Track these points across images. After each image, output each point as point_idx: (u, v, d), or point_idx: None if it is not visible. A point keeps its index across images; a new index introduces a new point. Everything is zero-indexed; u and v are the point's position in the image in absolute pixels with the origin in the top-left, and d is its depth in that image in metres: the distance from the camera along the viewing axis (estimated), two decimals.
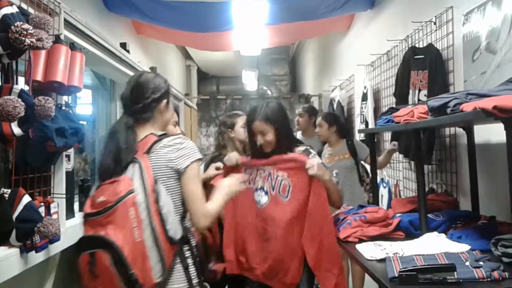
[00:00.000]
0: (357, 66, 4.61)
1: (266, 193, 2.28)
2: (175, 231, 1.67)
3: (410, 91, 2.95)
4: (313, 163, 2.17)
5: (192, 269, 1.75)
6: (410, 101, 2.91)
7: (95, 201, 1.65)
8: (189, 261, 1.75)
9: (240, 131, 2.94)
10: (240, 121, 2.95)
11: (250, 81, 10.12)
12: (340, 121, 4.09)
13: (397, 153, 3.45)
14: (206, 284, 1.83)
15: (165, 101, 1.89)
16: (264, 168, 2.33)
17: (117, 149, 1.74)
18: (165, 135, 1.80)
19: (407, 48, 3.26)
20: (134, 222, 1.58)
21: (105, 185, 1.68)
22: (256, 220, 2.29)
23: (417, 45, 3.09)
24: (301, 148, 2.37)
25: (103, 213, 1.60)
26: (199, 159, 1.78)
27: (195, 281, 1.75)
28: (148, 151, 1.73)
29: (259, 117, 2.32)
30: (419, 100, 2.82)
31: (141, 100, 1.84)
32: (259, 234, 2.28)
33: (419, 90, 2.87)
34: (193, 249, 1.79)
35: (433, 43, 2.88)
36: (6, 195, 1.61)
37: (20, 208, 1.63)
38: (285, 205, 2.22)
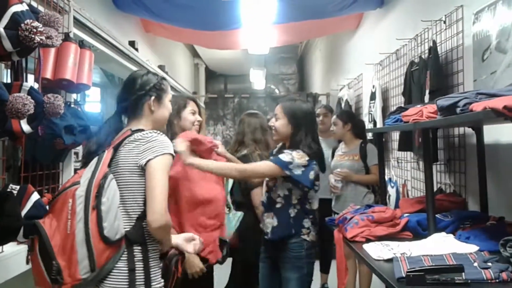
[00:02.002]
0: (365, 65, 4.59)
1: None
2: (113, 230, 1.58)
3: (426, 91, 2.95)
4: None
5: (139, 273, 1.65)
6: (426, 101, 2.90)
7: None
8: (138, 264, 1.65)
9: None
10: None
11: (258, 80, 10.11)
12: (355, 119, 4.05)
13: (405, 152, 3.44)
14: None
15: (153, 97, 1.85)
16: None
17: (91, 143, 1.80)
18: (139, 130, 1.75)
19: (416, 47, 3.25)
20: (69, 213, 1.57)
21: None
22: None
23: (427, 45, 3.07)
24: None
25: (51, 202, 1.66)
26: (168, 154, 1.69)
27: (140, 284, 1.64)
28: (117, 146, 1.72)
29: (281, 102, 2.56)
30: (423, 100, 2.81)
31: (128, 96, 1.84)
32: None
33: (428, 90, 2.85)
34: (147, 252, 1.68)
35: (442, 42, 2.86)
36: (15, 192, 1.62)
37: (29, 205, 1.64)
38: None
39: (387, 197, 3.50)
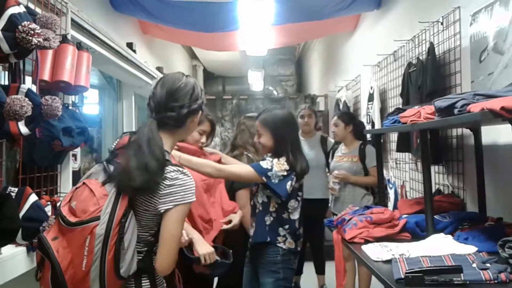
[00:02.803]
0: (363, 67, 4.60)
1: None
2: (128, 269, 1.52)
3: None
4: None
5: None
6: None
7: (71, 200, 1.56)
8: None
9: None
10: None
11: (256, 81, 10.12)
12: (356, 120, 4.05)
13: (403, 153, 3.44)
14: None
15: (200, 113, 1.72)
16: None
17: (129, 157, 1.56)
18: (168, 161, 1.57)
19: (413, 49, 3.25)
20: (86, 251, 1.47)
21: (85, 187, 1.56)
22: None
23: (423, 46, 3.08)
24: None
25: (67, 226, 1.51)
26: (189, 203, 1.55)
27: None
28: None
29: (258, 118, 2.52)
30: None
31: (175, 108, 1.63)
32: None
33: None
34: (155, 281, 1.63)
35: (440, 43, 2.87)
36: (13, 194, 1.62)
37: (26, 207, 1.63)
38: None
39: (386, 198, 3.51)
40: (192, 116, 1.68)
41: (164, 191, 1.52)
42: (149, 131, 1.58)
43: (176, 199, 1.52)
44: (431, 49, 2.83)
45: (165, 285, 1.72)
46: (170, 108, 1.63)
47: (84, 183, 1.59)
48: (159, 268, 1.55)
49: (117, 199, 1.50)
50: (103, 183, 1.56)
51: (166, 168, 1.54)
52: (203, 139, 2.56)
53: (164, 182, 1.52)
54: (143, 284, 1.61)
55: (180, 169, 1.57)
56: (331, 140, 4.31)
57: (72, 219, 1.50)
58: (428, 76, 2.79)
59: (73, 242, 1.50)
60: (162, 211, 1.52)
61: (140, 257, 1.58)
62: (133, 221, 1.52)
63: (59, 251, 1.49)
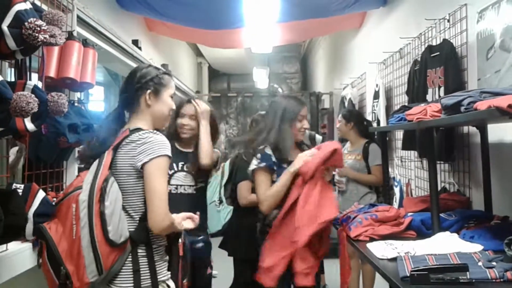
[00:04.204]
0: (369, 64, 4.58)
1: None
2: (118, 233, 1.59)
3: (430, 90, 2.93)
4: None
5: (145, 272, 1.65)
6: (430, 100, 2.87)
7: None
8: (143, 265, 1.65)
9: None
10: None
11: (261, 79, 10.11)
12: (359, 118, 4.04)
13: (409, 151, 3.43)
14: (167, 285, 1.73)
15: (149, 90, 1.79)
16: None
17: (93, 142, 1.79)
18: (137, 130, 1.71)
19: (420, 46, 3.23)
20: (74, 218, 1.58)
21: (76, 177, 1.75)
22: None
23: (431, 43, 3.06)
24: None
25: (56, 205, 1.67)
26: (163, 155, 1.65)
27: (146, 284, 1.65)
28: (116, 147, 1.69)
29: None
30: (440, 97, 2.78)
31: (127, 89, 1.81)
32: None
33: (439, 87, 2.84)
34: (152, 251, 1.69)
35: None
36: (20, 190, 1.62)
37: (37, 203, 1.65)
38: None
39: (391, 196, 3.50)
40: (141, 92, 1.79)
41: (138, 149, 1.65)
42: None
43: (149, 153, 1.63)
44: (451, 47, 2.74)
45: (166, 257, 1.77)
46: (124, 91, 1.84)
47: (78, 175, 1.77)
48: (152, 225, 1.63)
49: (98, 170, 1.64)
50: None
51: (137, 133, 1.69)
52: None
53: (136, 142, 1.66)
54: (139, 254, 1.66)
55: (151, 131, 1.72)
56: (319, 137, 4.32)
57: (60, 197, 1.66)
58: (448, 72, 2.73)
59: (62, 214, 1.63)
60: (139, 166, 1.63)
61: (134, 227, 1.66)
62: (115, 186, 1.62)
63: (51, 227, 1.62)
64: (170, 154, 1.69)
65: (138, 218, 1.67)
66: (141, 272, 1.64)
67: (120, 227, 1.60)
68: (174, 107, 1.91)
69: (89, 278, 1.57)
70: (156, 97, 1.81)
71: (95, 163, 1.68)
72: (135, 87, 1.79)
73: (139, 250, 1.66)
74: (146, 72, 1.82)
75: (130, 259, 1.64)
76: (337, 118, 4.28)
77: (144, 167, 1.63)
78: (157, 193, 1.62)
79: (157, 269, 1.68)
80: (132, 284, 1.63)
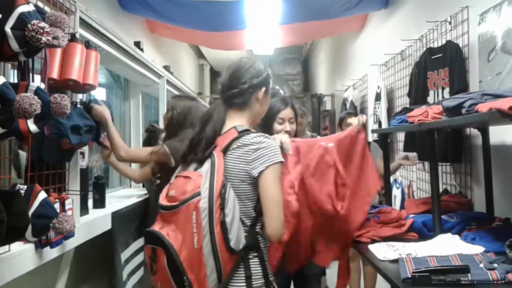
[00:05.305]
0: (370, 66, 4.59)
1: None
2: (238, 240, 1.57)
3: (431, 92, 2.93)
4: None
5: (257, 278, 1.63)
6: (431, 102, 2.87)
7: (168, 193, 1.65)
8: (255, 270, 1.63)
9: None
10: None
11: None
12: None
13: (411, 153, 3.43)
14: (273, 286, 1.70)
15: (264, 89, 1.78)
16: None
17: (198, 138, 1.71)
18: (246, 132, 1.66)
19: (421, 48, 3.24)
20: (195, 227, 1.53)
21: (180, 177, 1.66)
22: None
23: (432, 45, 3.06)
24: None
25: (169, 210, 1.60)
26: (279, 162, 1.62)
27: (257, 285, 1.62)
28: (225, 149, 1.64)
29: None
30: (443, 98, 2.78)
31: (238, 85, 1.73)
32: None
33: (443, 89, 2.84)
34: (263, 254, 1.66)
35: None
36: (22, 191, 1.63)
37: (36, 204, 1.64)
38: None
39: (393, 198, 3.50)
40: (254, 91, 1.75)
41: (252, 156, 1.60)
42: (211, 110, 1.77)
43: (265, 161, 1.59)
44: (457, 48, 2.74)
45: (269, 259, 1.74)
46: (233, 86, 1.74)
47: (177, 176, 1.70)
48: (270, 233, 1.60)
49: (213, 175, 1.58)
50: (195, 169, 1.68)
51: (247, 136, 1.64)
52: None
53: (250, 147, 1.61)
54: (251, 260, 1.63)
55: (263, 134, 1.66)
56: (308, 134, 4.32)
57: (175, 203, 1.58)
58: (454, 74, 2.73)
59: (180, 221, 1.56)
60: (256, 175, 1.58)
61: (246, 232, 1.62)
62: (232, 192, 1.58)
63: (169, 234, 1.56)
64: (283, 160, 1.66)
65: (249, 224, 1.63)
66: (253, 276, 1.62)
67: (239, 234, 1.58)
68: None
69: (210, 287, 1.55)
70: (266, 96, 1.81)
71: (207, 166, 1.62)
72: (249, 84, 1.74)
73: (251, 256, 1.64)
74: (260, 69, 1.79)
75: (242, 266, 1.61)
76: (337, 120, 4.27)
77: (261, 175, 1.59)
78: (275, 202, 1.60)
79: (268, 271, 1.67)
80: (245, 286, 1.61)
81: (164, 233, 1.57)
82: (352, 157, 2.19)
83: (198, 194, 1.55)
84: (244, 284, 1.61)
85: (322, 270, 4.40)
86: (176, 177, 1.70)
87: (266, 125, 2.40)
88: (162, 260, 1.57)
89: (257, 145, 1.61)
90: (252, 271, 1.62)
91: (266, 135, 1.66)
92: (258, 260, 1.64)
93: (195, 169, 1.68)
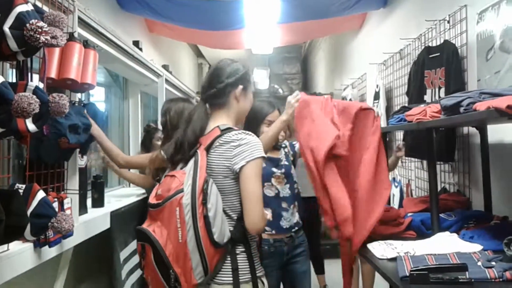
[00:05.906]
0: (369, 65, 4.59)
1: None
2: (222, 234, 1.63)
3: (428, 90, 2.93)
4: None
5: (244, 272, 1.68)
6: (428, 101, 2.87)
7: (157, 192, 1.72)
8: (242, 263, 1.69)
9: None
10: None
11: (261, 80, 10.14)
12: None
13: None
14: (261, 281, 1.75)
15: (241, 87, 1.83)
16: None
17: (181, 139, 1.78)
18: (228, 130, 1.72)
19: (420, 47, 3.24)
20: (178, 222, 1.59)
21: (167, 177, 1.72)
22: None
23: (430, 44, 3.07)
24: None
25: (155, 208, 1.67)
26: (260, 157, 1.68)
27: (245, 280, 1.68)
28: (208, 147, 1.71)
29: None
30: (440, 97, 2.78)
31: (215, 84, 1.81)
32: None
33: (439, 88, 2.84)
34: (250, 249, 1.72)
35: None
36: (21, 191, 1.63)
37: (34, 203, 1.65)
38: None
39: (391, 196, 3.50)
40: (232, 89, 1.81)
41: (233, 153, 1.67)
42: (192, 111, 1.85)
43: (246, 156, 1.65)
44: (454, 49, 2.74)
45: (258, 254, 1.79)
46: (211, 86, 1.82)
47: (165, 175, 1.78)
48: (249, 226, 1.65)
49: (196, 172, 1.64)
50: (181, 168, 1.75)
51: (229, 133, 1.70)
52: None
53: (231, 144, 1.68)
54: (237, 253, 1.69)
55: (244, 131, 1.72)
56: None
57: (160, 201, 1.66)
58: (450, 74, 2.74)
59: (165, 218, 1.63)
60: (237, 169, 1.65)
61: (232, 226, 1.68)
62: (214, 188, 1.65)
63: (155, 230, 1.63)
64: (264, 155, 1.71)
65: (236, 218, 1.69)
66: (240, 269, 1.68)
67: (223, 228, 1.63)
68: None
69: (196, 279, 1.61)
70: (245, 94, 1.86)
71: (190, 164, 1.69)
72: (225, 83, 1.81)
73: (238, 250, 1.70)
74: (237, 68, 1.85)
75: (229, 258, 1.67)
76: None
77: (241, 170, 1.65)
78: (254, 196, 1.65)
79: (255, 264, 1.72)
80: (231, 283, 1.66)
81: (150, 230, 1.64)
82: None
83: (181, 190, 1.62)
84: (231, 276, 1.66)
85: (320, 269, 4.41)
86: (164, 176, 1.77)
87: (253, 127, 2.42)
88: (150, 255, 1.64)
89: (238, 142, 1.68)
90: (239, 264, 1.68)
91: (248, 132, 1.72)
92: (245, 254, 1.70)
93: (181, 168, 1.75)
